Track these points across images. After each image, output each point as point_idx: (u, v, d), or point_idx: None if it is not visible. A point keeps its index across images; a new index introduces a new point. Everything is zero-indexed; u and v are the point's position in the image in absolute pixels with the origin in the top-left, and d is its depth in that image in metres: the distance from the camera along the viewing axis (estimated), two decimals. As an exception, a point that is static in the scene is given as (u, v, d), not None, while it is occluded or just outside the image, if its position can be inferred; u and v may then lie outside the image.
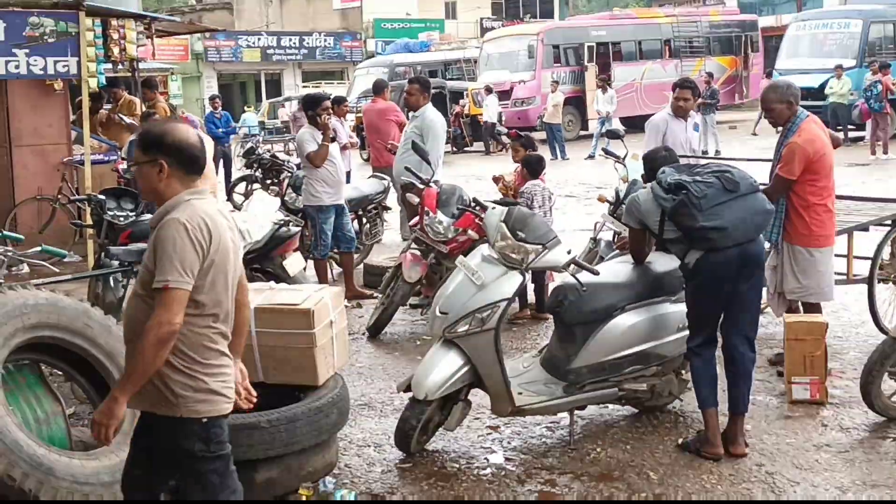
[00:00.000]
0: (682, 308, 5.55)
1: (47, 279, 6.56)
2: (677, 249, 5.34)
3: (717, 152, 20.52)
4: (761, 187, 5.42)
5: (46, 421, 4.57)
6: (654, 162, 6.10)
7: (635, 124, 22.55)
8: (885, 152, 20.19)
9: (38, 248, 6.50)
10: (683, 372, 5.81)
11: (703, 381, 5.35)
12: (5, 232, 6.37)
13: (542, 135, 23.44)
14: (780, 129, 6.63)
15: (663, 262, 5.73)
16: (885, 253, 7.35)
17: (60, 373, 4.93)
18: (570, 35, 31.18)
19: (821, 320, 6.31)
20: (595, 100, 25.17)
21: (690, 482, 5.01)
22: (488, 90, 26.57)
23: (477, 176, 18.01)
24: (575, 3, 58.36)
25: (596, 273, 5.65)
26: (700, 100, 11.97)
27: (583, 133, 27.65)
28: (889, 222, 7.47)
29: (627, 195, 7.06)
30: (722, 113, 28.11)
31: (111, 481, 4.29)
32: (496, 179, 9.33)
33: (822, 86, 23.21)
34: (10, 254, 6.05)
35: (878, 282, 7.28)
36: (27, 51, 8.88)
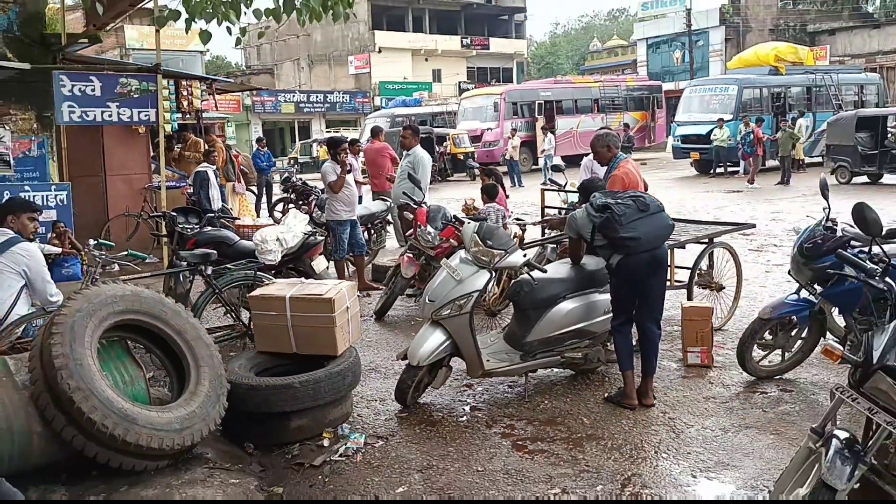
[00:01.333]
0: (607, 297, 5.55)
1: (132, 276, 6.49)
2: (604, 253, 5.34)
3: None
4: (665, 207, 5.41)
5: (131, 383, 4.48)
6: (588, 190, 6.07)
7: (573, 161, 22.57)
8: (751, 182, 20.42)
9: (125, 252, 6.43)
10: (608, 344, 5.79)
11: (623, 350, 5.35)
12: (101, 240, 6.26)
13: (504, 168, 23.37)
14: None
15: (593, 263, 5.72)
16: (703, 264, 7.26)
17: (142, 347, 4.85)
18: (525, 95, 31.18)
19: (707, 305, 6.34)
20: (542, 142, 25.15)
21: (613, 425, 4.99)
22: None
23: (457, 199, 17.92)
24: (529, 72, 58.49)
25: (544, 271, 5.63)
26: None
27: (534, 167, 27.66)
28: (706, 240, 7.33)
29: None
30: (636, 153, 28.19)
31: (180, 429, 4.22)
32: (465, 208, 9.30)
33: (709, 133, 23.41)
34: (104, 256, 5.98)
35: (697, 287, 7.20)
36: (118, 104, 8.75)
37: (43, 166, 9.66)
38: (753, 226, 8.74)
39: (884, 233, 5.10)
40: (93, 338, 4.25)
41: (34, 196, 8.36)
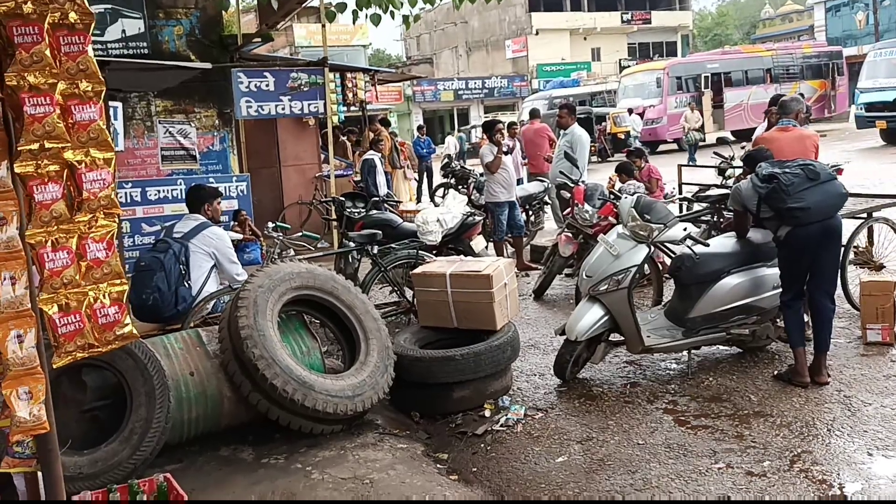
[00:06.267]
0: (775, 271, 5.35)
1: (307, 255, 6.97)
2: (771, 225, 5.16)
3: None
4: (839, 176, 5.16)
5: (308, 353, 4.84)
6: (755, 159, 5.87)
7: (744, 136, 21.54)
8: None
9: (300, 234, 6.91)
10: (778, 320, 5.58)
11: (794, 326, 5.15)
12: (279, 223, 6.78)
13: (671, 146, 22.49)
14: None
15: (760, 236, 5.53)
16: (861, 241, 6.76)
17: (317, 321, 5.22)
18: (690, 68, 30.04)
19: (889, 280, 5.95)
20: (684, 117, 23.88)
21: (782, 403, 4.83)
22: (630, 112, 26.06)
23: (616, 179, 17.69)
24: (694, 45, 56.19)
25: (707, 245, 5.52)
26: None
27: (701, 144, 26.53)
28: (864, 215, 6.77)
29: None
30: (814, 125, 26.40)
31: (353, 395, 4.53)
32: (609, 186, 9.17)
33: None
34: (282, 238, 6.47)
35: (854, 265, 6.71)
36: (290, 97, 9.34)
37: (225, 159, 10.51)
38: None
39: None
40: (273, 311, 4.66)
41: (217, 187, 9.10)
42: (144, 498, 3.04)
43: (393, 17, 6.53)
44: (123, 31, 9.65)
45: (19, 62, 2.18)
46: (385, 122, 15.65)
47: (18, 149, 2.20)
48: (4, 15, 2.18)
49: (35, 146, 2.19)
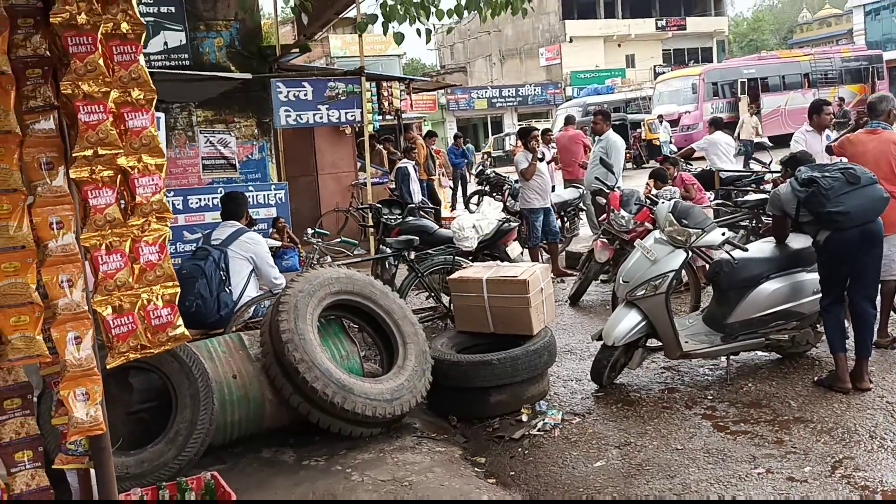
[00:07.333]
0: (815, 276, 5.28)
1: (345, 261, 7.04)
2: (810, 230, 5.11)
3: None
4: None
5: (347, 357, 4.89)
6: (798, 163, 5.81)
7: (781, 141, 21.20)
8: None
9: (339, 240, 6.99)
10: (818, 325, 5.52)
11: (834, 332, 5.08)
12: (318, 230, 6.87)
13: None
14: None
15: (799, 241, 5.47)
16: None
17: (355, 325, 5.27)
18: (726, 74, 29.78)
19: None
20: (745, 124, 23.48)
21: (823, 409, 4.77)
22: (660, 119, 25.80)
23: (651, 185, 17.58)
24: (730, 51, 55.64)
25: (745, 250, 5.48)
26: (834, 119, 11.13)
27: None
28: None
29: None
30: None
31: (391, 399, 4.57)
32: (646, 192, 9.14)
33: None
34: (320, 244, 6.55)
35: None
36: (327, 106, 9.47)
37: (263, 168, 10.65)
38: None
39: None
40: (313, 315, 4.72)
41: (256, 195, 9.24)
42: (193, 496, 3.10)
43: (419, 35, 6.61)
44: (166, 43, 9.85)
45: (74, 71, 2.26)
46: (432, 134, 15.78)
47: (73, 155, 2.28)
48: (60, 26, 2.26)
49: (89, 152, 2.27)
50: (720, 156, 10.66)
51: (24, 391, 2.53)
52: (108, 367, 2.38)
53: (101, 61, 2.32)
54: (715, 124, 11.37)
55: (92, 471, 2.60)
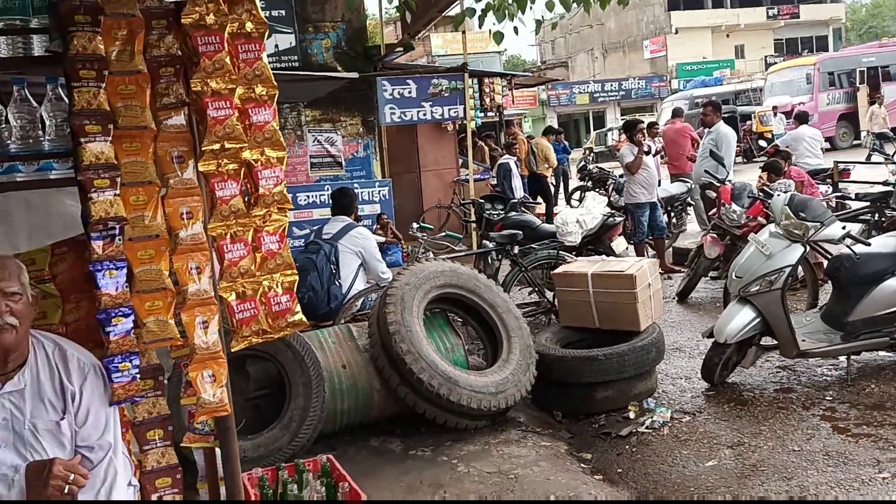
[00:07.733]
0: (948, 273, 5.00)
1: (450, 255, 7.12)
2: (941, 224, 4.83)
3: None
4: None
5: (452, 350, 4.95)
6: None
7: (904, 132, 19.99)
8: None
9: (443, 234, 7.07)
10: (949, 326, 5.21)
11: (967, 332, 4.79)
12: (423, 224, 6.98)
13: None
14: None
15: (928, 236, 5.19)
16: None
17: (459, 318, 5.32)
18: (843, 63, 28.29)
19: None
20: (870, 114, 22.11)
21: (956, 413, 4.51)
22: (775, 110, 24.82)
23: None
24: (847, 39, 52.96)
25: (868, 244, 5.22)
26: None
27: (855, 142, 24.99)
28: None
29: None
30: None
31: (496, 392, 4.59)
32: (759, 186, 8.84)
33: None
34: (425, 238, 6.64)
35: None
36: (431, 103, 9.57)
37: (368, 165, 10.86)
38: None
39: None
40: (419, 308, 4.80)
41: (361, 192, 9.44)
42: (310, 477, 3.22)
43: (516, 33, 6.63)
44: (276, 45, 10.16)
45: (203, 69, 2.38)
46: (549, 131, 15.72)
47: (202, 149, 2.40)
48: (190, 26, 2.38)
49: (217, 146, 2.38)
50: (806, 151, 10.34)
51: (155, 373, 2.67)
52: (232, 350, 2.50)
53: (227, 59, 2.43)
54: (799, 119, 11.07)
55: (217, 450, 2.73)
